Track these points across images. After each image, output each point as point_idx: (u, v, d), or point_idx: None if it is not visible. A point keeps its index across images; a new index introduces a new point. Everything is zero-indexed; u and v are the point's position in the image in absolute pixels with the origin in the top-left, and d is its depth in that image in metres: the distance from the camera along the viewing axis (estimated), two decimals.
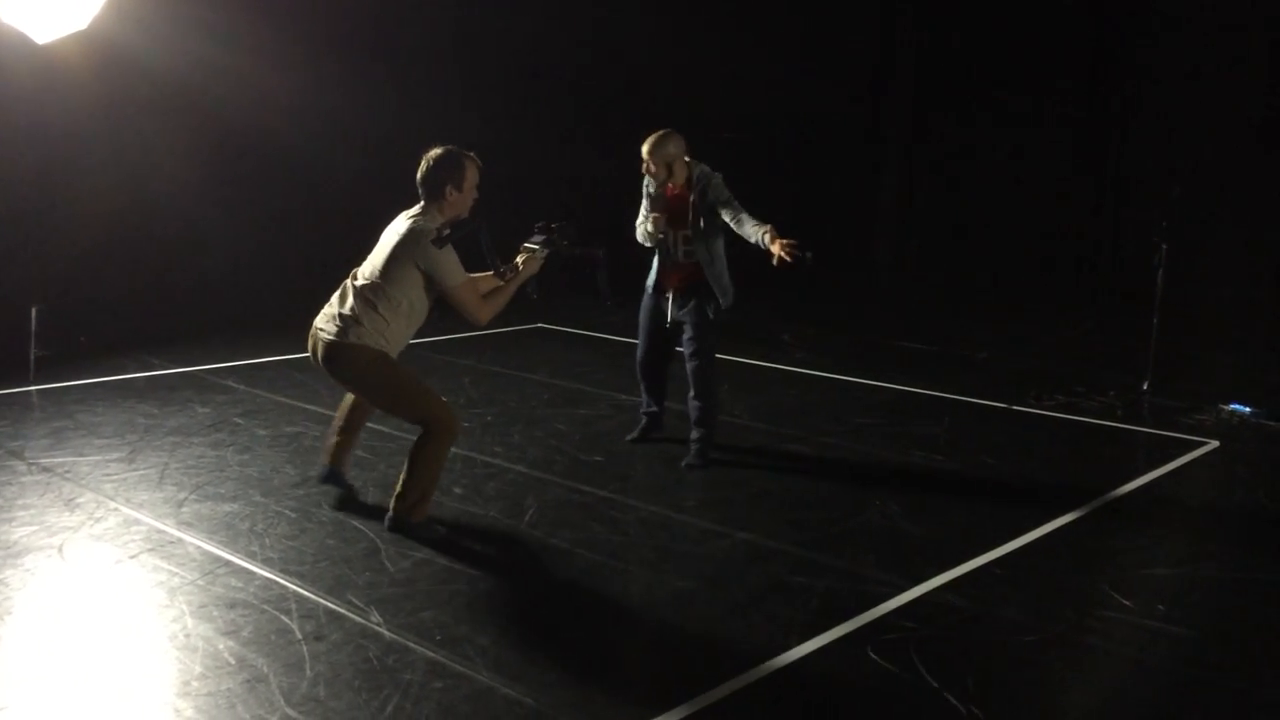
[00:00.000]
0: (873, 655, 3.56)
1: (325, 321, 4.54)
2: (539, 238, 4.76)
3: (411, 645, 3.58)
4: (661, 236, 5.54)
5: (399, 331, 4.52)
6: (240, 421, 6.29)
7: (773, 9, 13.18)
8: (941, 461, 5.86)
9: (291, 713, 3.16)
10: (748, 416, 6.69)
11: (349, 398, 4.94)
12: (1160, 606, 3.99)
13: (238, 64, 9.30)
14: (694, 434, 5.64)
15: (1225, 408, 6.87)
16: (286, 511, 4.83)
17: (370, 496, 5.03)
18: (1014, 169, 13.23)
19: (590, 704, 3.26)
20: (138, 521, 4.65)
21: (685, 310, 5.56)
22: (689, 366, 5.58)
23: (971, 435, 6.40)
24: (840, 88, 13.78)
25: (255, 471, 5.39)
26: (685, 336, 5.58)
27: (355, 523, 4.71)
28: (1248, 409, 6.80)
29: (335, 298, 4.59)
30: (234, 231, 9.72)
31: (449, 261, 4.43)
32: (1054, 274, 13.00)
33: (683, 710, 3.21)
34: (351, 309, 4.46)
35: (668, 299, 5.64)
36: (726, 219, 5.40)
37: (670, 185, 5.49)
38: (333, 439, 4.98)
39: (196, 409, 6.55)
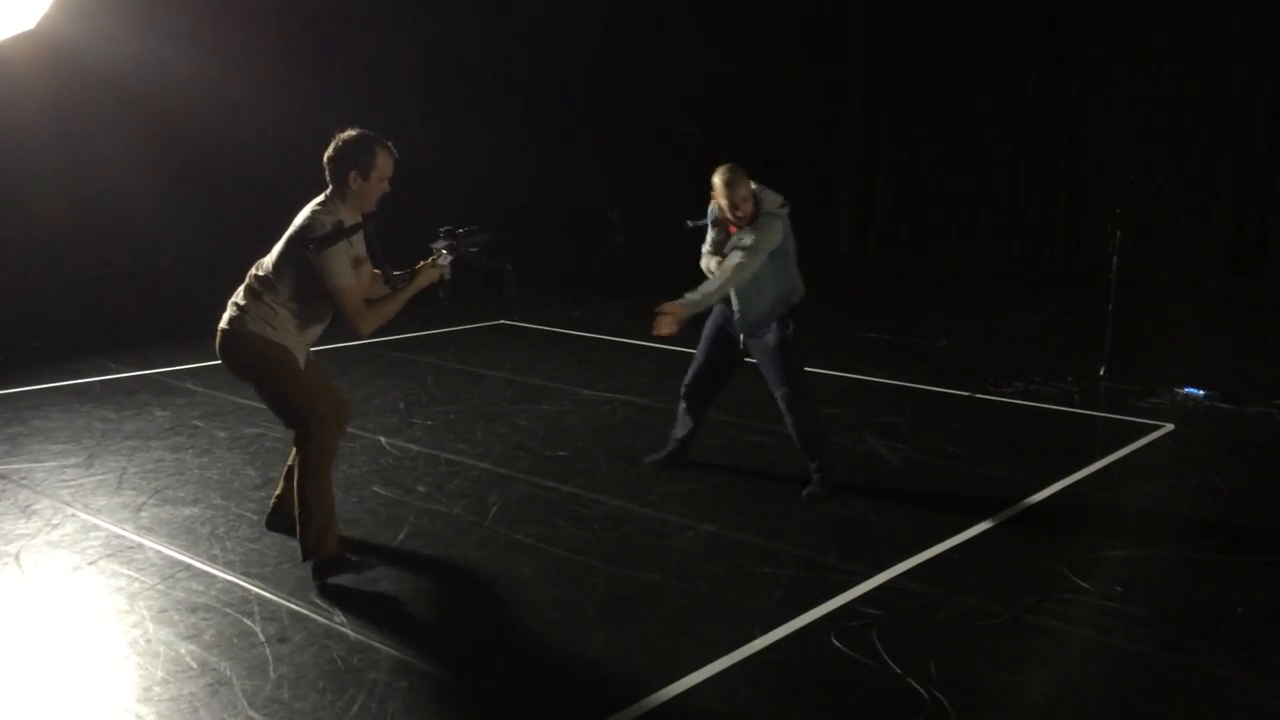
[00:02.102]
0: (836, 643, 3.59)
1: (226, 310, 4.15)
2: (444, 242, 4.33)
3: (376, 645, 3.57)
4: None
5: (288, 324, 4.08)
6: (199, 424, 6.23)
7: (726, 3, 13.22)
8: (903, 450, 5.91)
9: (255, 715, 3.13)
10: (711, 409, 6.69)
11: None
12: (1118, 587, 4.05)
13: (189, 63, 9.20)
14: (811, 464, 5.15)
15: (1180, 391, 6.98)
16: (248, 514, 4.79)
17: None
18: (970, 159, 13.37)
19: (558, 698, 3.27)
20: (96, 527, 4.59)
21: (761, 335, 5.11)
22: (778, 396, 5.10)
23: (932, 423, 6.45)
24: (798, 80, 13.84)
25: (215, 474, 5.34)
26: (765, 365, 5.13)
27: None
28: (1201, 392, 6.91)
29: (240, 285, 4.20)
30: (189, 232, 9.63)
31: (333, 262, 3.94)
32: (1011, 262, 13.15)
33: (650, 702, 3.23)
34: (243, 297, 4.11)
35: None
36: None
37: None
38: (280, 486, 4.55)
39: (154, 412, 6.48)
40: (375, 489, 5.14)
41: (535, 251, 12.11)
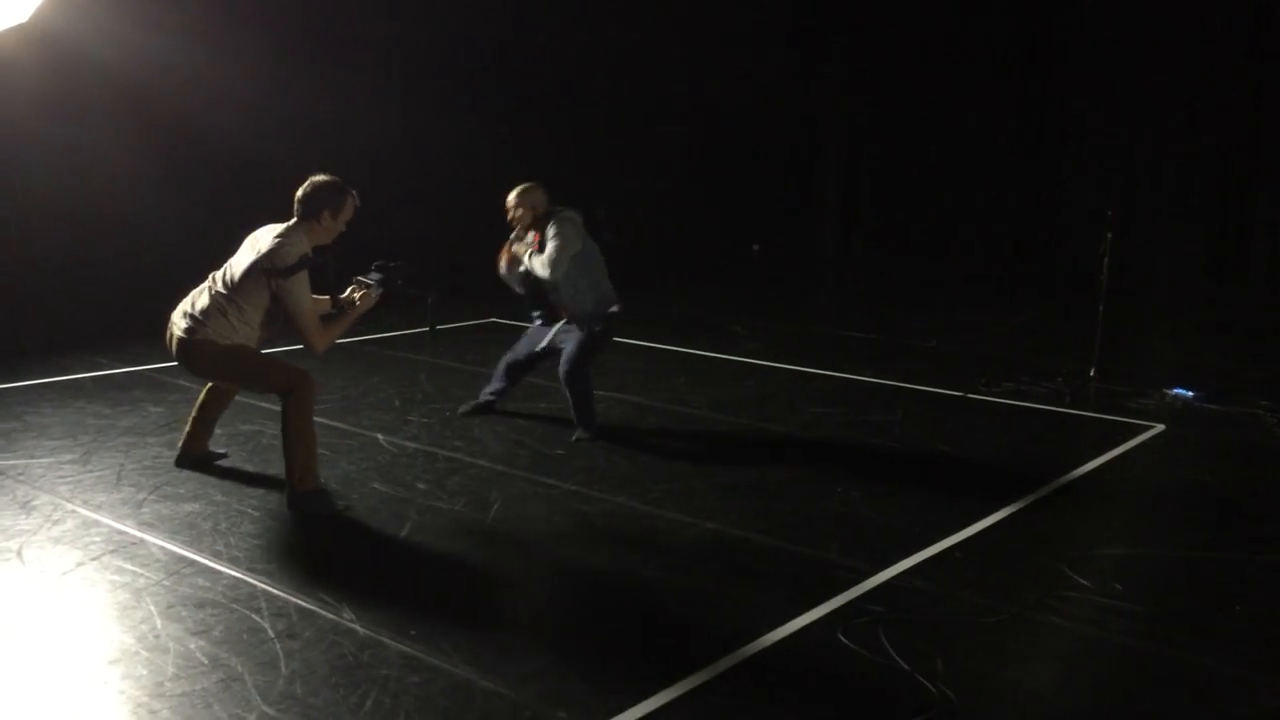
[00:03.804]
0: (843, 639, 3.63)
1: (179, 317, 4.79)
2: (375, 275, 4.94)
3: (386, 641, 3.58)
4: (517, 272, 5.96)
5: (247, 337, 4.74)
6: None
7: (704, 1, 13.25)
8: (897, 449, 5.96)
9: (269, 710, 3.14)
10: (706, 408, 6.75)
11: (203, 394, 5.32)
12: (1117, 585, 4.10)
13: (183, 57, 9.15)
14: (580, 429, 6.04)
15: (1169, 392, 7.06)
16: (249, 510, 4.78)
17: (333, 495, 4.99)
18: (958, 159, 13.46)
19: (568, 694, 3.28)
20: (97, 523, 4.58)
21: (569, 333, 5.97)
22: (561, 373, 5.93)
23: (925, 423, 6.51)
24: (782, 79, 13.89)
25: (214, 471, 5.32)
26: (566, 346, 5.94)
27: (320, 520, 4.67)
28: (1190, 393, 7.00)
29: (193, 294, 4.84)
30: (178, 227, 9.57)
31: (299, 288, 4.63)
32: (999, 262, 13.25)
33: (659, 699, 3.25)
34: (202, 310, 4.71)
35: (554, 327, 6.07)
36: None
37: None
38: (187, 430, 5.34)
39: (149, 408, 6.46)
40: (375, 486, 5.14)
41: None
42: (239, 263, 4.74)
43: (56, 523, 4.58)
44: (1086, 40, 12.55)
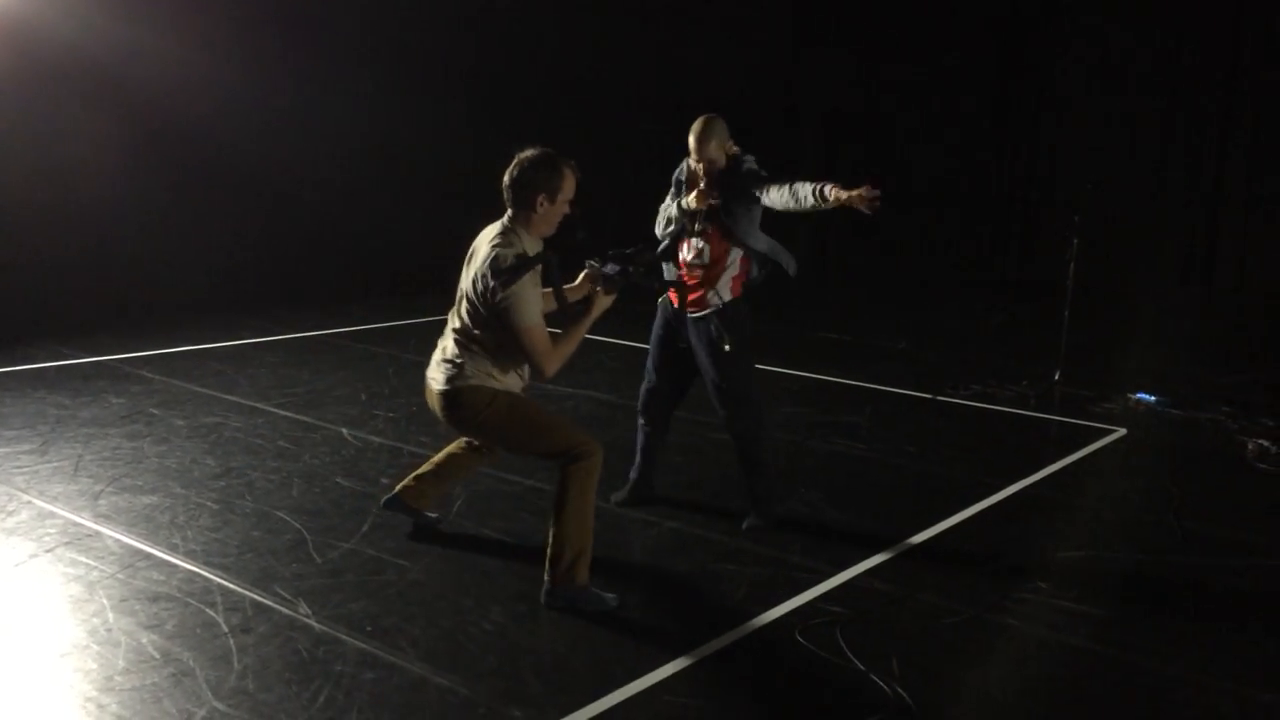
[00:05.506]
0: (800, 639, 3.63)
1: (433, 369, 3.99)
2: (612, 266, 3.99)
3: (342, 636, 3.56)
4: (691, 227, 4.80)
5: (506, 365, 3.90)
6: (156, 412, 6.15)
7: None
8: (863, 450, 5.97)
9: (220, 706, 3.11)
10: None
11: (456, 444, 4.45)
12: (1074, 588, 4.13)
13: (151, 43, 9.07)
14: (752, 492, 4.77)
15: (1132, 397, 7.11)
16: (208, 503, 4.74)
17: (295, 489, 4.96)
18: (928, 162, 13.51)
19: (523, 692, 3.27)
20: (52, 514, 4.53)
21: (699, 339, 4.74)
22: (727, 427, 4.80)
23: (891, 424, 6.53)
24: (760, 79, 13.92)
25: (174, 463, 5.28)
26: (708, 380, 4.76)
27: (280, 514, 4.64)
28: (1153, 398, 7.05)
29: (440, 342, 4.03)
30: (146, 218, 9.48)
31: (520, 299, 3.70)
32: (969, 267, 13.31)
33: (614, 697, 3.25)
34: (453, 353, 3.90)
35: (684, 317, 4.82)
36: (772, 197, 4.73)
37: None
38: (411, 481, 4.45)
39: (110, 399, 6.39)
40: (338, 480, 5.11)
41: None
42: (466, 284, 3.89)
43: (10, 514, 4.53)
44: (1062, 47, 12.62)
